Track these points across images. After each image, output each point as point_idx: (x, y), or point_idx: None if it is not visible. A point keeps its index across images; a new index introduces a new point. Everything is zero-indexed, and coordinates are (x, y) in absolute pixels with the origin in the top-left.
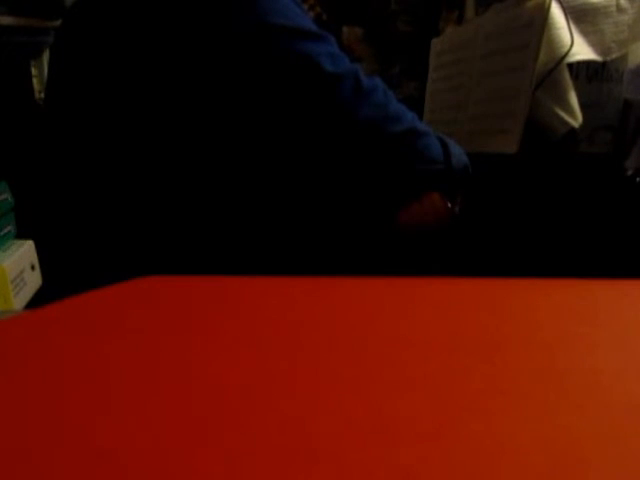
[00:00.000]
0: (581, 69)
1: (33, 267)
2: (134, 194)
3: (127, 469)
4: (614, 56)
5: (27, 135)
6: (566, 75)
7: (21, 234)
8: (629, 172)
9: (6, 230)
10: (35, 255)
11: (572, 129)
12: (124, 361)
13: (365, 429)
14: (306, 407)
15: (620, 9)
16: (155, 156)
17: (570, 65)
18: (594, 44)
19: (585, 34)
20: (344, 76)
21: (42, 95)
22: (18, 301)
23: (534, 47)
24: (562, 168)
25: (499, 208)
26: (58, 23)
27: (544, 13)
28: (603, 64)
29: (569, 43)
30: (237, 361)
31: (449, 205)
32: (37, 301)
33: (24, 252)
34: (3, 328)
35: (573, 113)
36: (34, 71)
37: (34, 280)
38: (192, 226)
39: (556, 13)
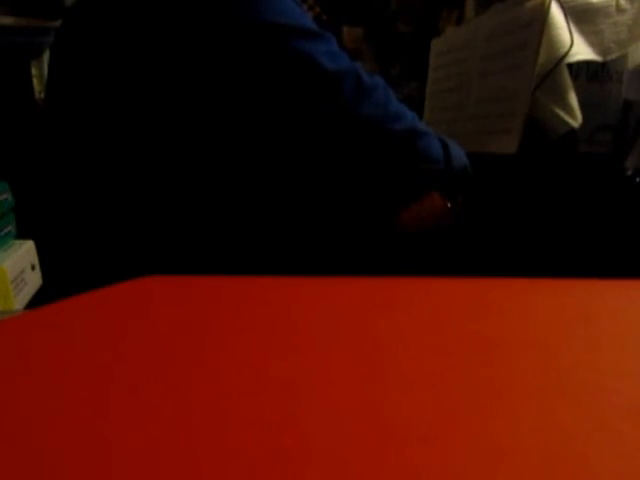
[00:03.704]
0: (581, 69)
1: (33, 267)
2: (134, 194)
3: (128, 468)
4: (614, 56)
5: (27, 135)
6: (566, 75)
7: (21, 234)
8: (629, 172)
9: (6, 230)
10: (35, 255)
11: (572, 129)
12: (124, 361)
13: (365, 429)
14: (306, 407)
15: (620, 9)
16: (155, 156)
17: (570, 65)
18: (594, 44)
19: (585, 34)
20: (345, 74)
21: (42, 95)
22: (18, 301)
23: (534, 47)
24: (562, 168)
25: (499, 208)
26: (58, 23)
27: (544, 13)
28: (603, 64)
29: (569, 43)
30: (237, 361)
31: (449, 205)
32: (37, 301)
33: (24, 252)
34: (3, 328)
35: (573, 113)
36: (34, 71)
37: (34, 280)
38: (192, 226)
39: (556, 13)
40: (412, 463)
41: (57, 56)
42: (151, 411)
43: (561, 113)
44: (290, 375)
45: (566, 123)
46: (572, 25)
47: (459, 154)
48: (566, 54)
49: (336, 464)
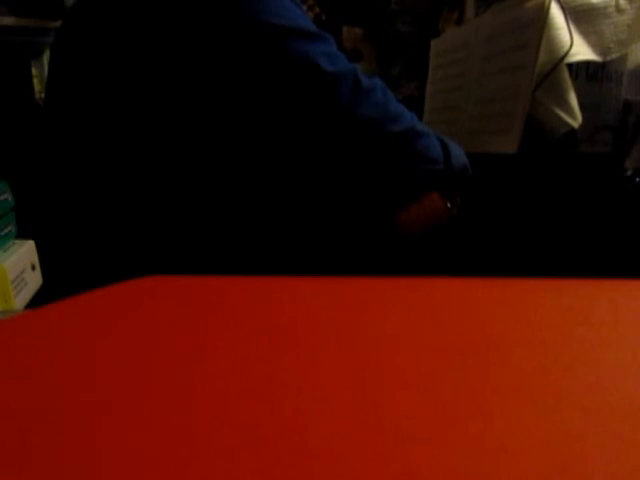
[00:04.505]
0: (581, 69)
1: (33, 267)
2: (134, 194)
3: (127, 468)
4: (613, 56)
5: (27, 135)
6: (566, 75)
7: (22, 234)
8: (629, 172)
9: (7, 230)
10: (35, 255)
11: (572, 129)
12: (124, 361)
13: (365, 428)
14: (306, 406)
15: (619, 9)
16: (154, 156)
17: (570, 65)
18: (594, 44)
19: (585, 34)
20: (343, 75)
21: (42, 95)
22: (19, 301)
23: (534, 47)
24: (562, 168)
25: (499, 208)
26: (58, 23)
27: (544, 13)
28: (603, 64)
29: (569, 43)
30: (237, 360)
31: (448, 205)
32: (37, 301)
33: (25, 252)
34: (3, 328)
35: (573, 113)
36: (34, 71)
37: (34, 280)
38: (192, 226)
39: (556, 13)
40: (412, 463)
41: (57, 56)
42: (151, 411)
43: (561, 113)
44: (290, 375)
45: (566, 123)
46: (572, 25)
47: (459, 154)
48: (566, 54)
49: (336, 463)
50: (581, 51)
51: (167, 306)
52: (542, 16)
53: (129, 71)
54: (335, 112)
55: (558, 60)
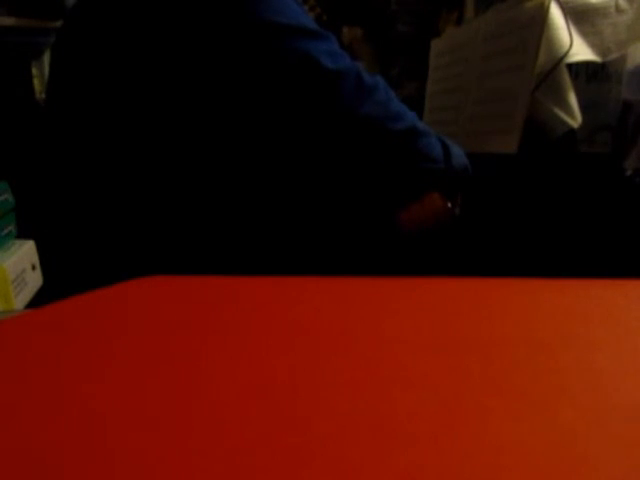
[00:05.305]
0: (580, 69)
1: (34, 267)
2: (135, 194)
3: (128, 468)
4: (613, 57)
5: (28, 135)
6: (565, 75)
7: (22, 234)
8: (628, 172)
9: (7, 230)
10: (36, 255)
11: (571, 129)
12: (125, 361)
13: (365, 428)
14: (306, 406)
15: (619, 10)
16: (156, 156)
17: (569, 65)
18: (593, 45)
19: (584, 35)
20: (345, 73)
21: (43, 95)
22: (19, 301)
23: (533, 47)
24: (561, 168)
25: (499, 208)
26: (59, 24)
27: (544, 14)
28: (602, 64)
29: (568, 44)
30: (238, 360)
31: (449, 205)
32: (38, 301)
33: (25, 252)
34: (4, 328)
35: (572, 113)
36: (35, 71)
37: (35, 280)
38: (193, 226)
39: (555, 14)
40: (412, 463)
41: (58, 56)
42: (151, 411)
43: (561, 113)
44: (290, 375)
45: (565, 123)
46: (571, 25)
47: (459, 154)
48: (565, 54)
49: (336, 464)
50: (581, 51)
51: (168, 306)
52: (542, 16)
53: (130, 71)
54: (337, 110)
55: (558, 60)
